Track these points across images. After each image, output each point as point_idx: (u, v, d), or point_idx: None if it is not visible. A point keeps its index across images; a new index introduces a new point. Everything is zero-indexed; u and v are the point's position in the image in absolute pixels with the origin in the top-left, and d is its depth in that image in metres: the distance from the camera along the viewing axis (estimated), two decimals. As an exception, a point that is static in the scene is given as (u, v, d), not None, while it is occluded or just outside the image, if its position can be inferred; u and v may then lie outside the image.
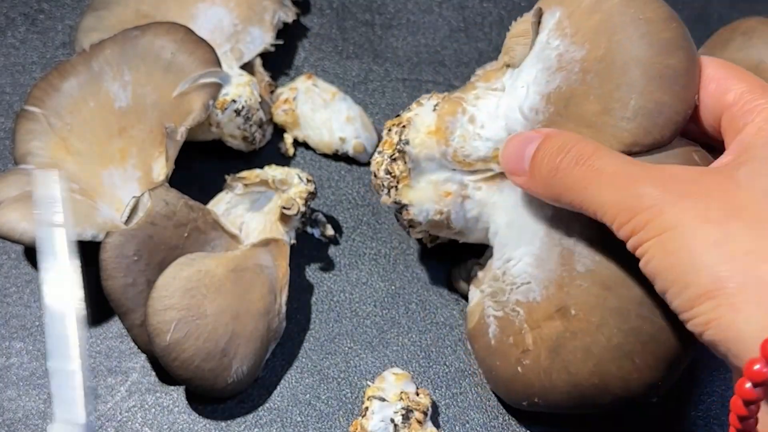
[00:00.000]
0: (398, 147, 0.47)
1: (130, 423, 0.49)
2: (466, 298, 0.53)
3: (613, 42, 0.41)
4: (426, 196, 0.47)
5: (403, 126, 0.48)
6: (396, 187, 0.47)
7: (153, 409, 0.49)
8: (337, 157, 0.58)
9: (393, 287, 0.53)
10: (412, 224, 0.48)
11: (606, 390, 0.42)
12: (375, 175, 0.48)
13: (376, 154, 0.48)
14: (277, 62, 0.60)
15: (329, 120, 0.57)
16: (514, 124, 0.45)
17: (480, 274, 0.49)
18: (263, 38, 0.58)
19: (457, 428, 0.49)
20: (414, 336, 0.52)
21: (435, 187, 0.47)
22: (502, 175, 0.46)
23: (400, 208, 0.48)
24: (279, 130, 0.58)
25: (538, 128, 0.44)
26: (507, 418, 0.49)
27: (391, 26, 0.63)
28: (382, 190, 0.48)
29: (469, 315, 0.49)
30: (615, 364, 0.42)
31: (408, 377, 0.49)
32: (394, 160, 0.47)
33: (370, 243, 0.55)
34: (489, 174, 0.47)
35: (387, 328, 0.52)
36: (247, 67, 0.58)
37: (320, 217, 0.55)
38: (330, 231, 0.54)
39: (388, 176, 0.47)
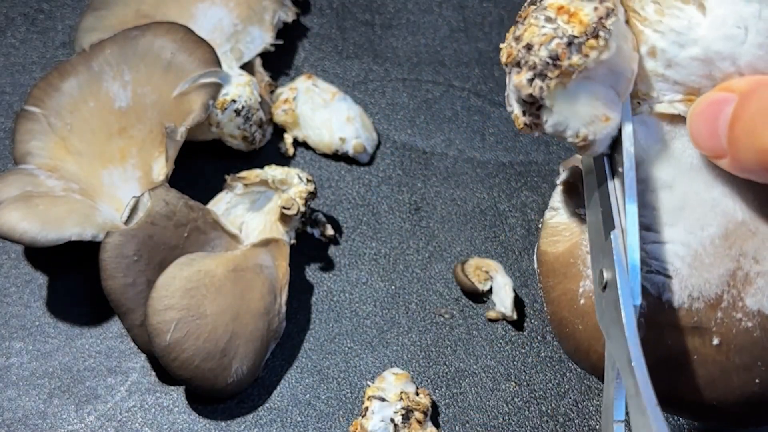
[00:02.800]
0: (599, 29, 0.32)
1: (130, 423, 0.49)
2: (467, 296, 0.53)
3: None
4: (577, 111, 0.34)
5: (611, 11, 0.33)
6: (551, 79, 0.33)
7: (153, 409, 0.49)
8: (337, 157, 0.58)
9: (393, 287, 0.53)
10: (535, 125, 0.35)
11: (704, 422, 0.36)
12: (526, 47, 0.33)
13: (539, 14, 0.33)
14: (277, 62, 0.60)
15: (329, 120, 0.57)
16: (723, 73, 0.33)
17: (579, 182, 0.37)
18: (263, 38, 0.58)
19: (457, 428, 0.49)
20: (414, 336, 0.52)
21: (592, 105, 0.33)
22: (682, 118, 0.35)
23: (532, 107, 0.34)
24: (279, 130, 0.58)
25: (731, 81, 0.33)
26: (507, 418, 0.49)
27: (391, 26, 0.63)
28: (523, 68, 0.33)
29: (547, 229, 0.38)
30: (735, 409, 0.35)
31: (408, 377, 0.49)
32: (571, 44, 0.32)
33: (370, 243, 0.55)
34: (669, 111, 0.35)
35: (387, 328, 0.52)
36: (247, 67, 0.58)
37: (320, 217, 0.55)
38: (330, 231, 0.54)
39: (550, 61, 0.32)
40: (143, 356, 0.50)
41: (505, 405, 0.50)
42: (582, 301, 0.37)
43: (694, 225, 0.34)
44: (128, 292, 0.47)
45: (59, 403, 0.49)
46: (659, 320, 0.35)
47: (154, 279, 0.48)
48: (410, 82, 0.61)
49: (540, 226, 0.40)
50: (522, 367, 0.51)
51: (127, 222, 0.48)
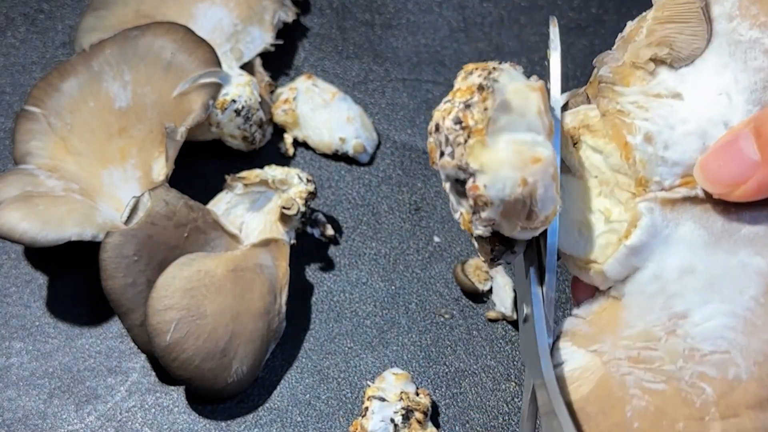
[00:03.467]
0: (483, 83, 0.34)
1: (130, 423, 0.49)
2: (467, 296, 0.53)
3: None
4: (504, 160, 0.33)
5: (492, 70, 0.35)
6: (465, 142, 0.33)
7: (153, 409, 0.49)
8: (337, 157, 0.58)
9: (393, 287, 0.53)
10: (480, 204, 0.34)
11: None
12: (435, 129, 0.34)
13: (441, 104, 0.35)
14: (277, 62, 0.60)
15: (329, 120, 0.57)
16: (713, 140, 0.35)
17: (582, 327, 0.37)
18: (263, 38, 0.58)
19: (457, 428, 0.49)
20: (414, 336, 0.52)
21: (516, 150, 0.34)
22: (686, 200, 0.35)
23: (464, 179, 0.34)
24: (279, 130, 0.58)
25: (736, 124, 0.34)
26: (507, 418, 0.49)
27: (391, 26, 0.63)
28: (443, 149, 0.34)
29: (564, 382, 0.36)
30: None
31: (408, 377, 0.49)
32: (469, 106, 0.33)
33: (370, 243, 0.55)
34: (672, 197, 0.36)
35: (387, 328, 0.52)
36: (247, 67, 0.58)
37: (320, 217, 0.55)
38: (330, 231, 0.54)
39: (457, 127, 0.33)
40: (143, 356, 0.50)
41: (505, 405, 0.50)
42: (636, 425, 0.34)
43: (732, 293, 0.34)
44: (128, 292, 0.47)
45: (59, 403, 0.49)
46: (734, 402, 0.33)
47: (154, 279, 0.48)
48: (410, 82, 0.61)
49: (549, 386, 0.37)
50: (522, 367, 0.51)
51: (127, 222, 0.48)
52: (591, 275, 0.37)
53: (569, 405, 0.35)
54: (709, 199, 0.35)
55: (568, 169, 0.38)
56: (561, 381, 0.36)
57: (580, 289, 0.39)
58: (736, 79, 0.35)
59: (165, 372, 0.48)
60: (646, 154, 0.35)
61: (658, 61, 0.36)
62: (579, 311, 0.38)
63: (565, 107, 0.39)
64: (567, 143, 0.37)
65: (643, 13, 0.38)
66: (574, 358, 0.36)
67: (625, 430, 0.34)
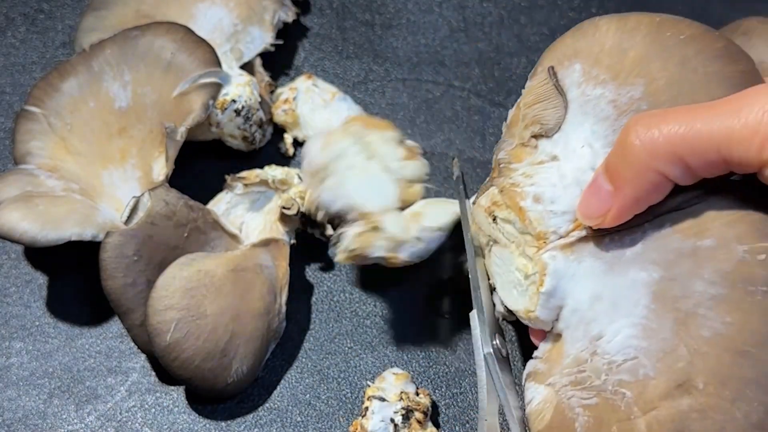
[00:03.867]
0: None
1: (130, 423, 0.49)
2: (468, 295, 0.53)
3: (673, 66, 0.40)
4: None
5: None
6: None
7: (153, 409, 0.49)
8: (337, 157, 0.58)
9: (393, 287, 0.53)
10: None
11: None
12: None
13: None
14: (277, 62, 0.60)
15: (329, 120, 0.57)
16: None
17: (540, 366, 0.43)
18: (263, 38, 0.58)
19: (457, 428, 0.49)
20: (414, 336, 0.52)
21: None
22: (580, 240, 0.41)
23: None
24: (279, 130, 0.58)
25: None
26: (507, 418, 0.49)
27: (391, 26, 0.63)
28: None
29: (532, 416, 0.41)
30: None
31: (408, 377, 0.49)
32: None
33: (370, 243, 0.55)
34: (569, 241, 0.41)
35: (387, 328, 0.52)
36: (247, 67, 0.58)
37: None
38: (330, 231, 0.54)
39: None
40: (143, 356, 0.50)
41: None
42: None
43: (629, 307, 0.39)
44: (128, 292, 0.47)
45: (59, 403, 0.49)
46: (649, 397, 0.37)
47: (154, 279, 0.48)
48: (410, 82, 0.61)
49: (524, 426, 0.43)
50: (522, 367, 0.51)
51: (127, 222, 0.48)
52: (534, 322, 0.43)
53: None
54: (595, 233, 0.40)
55: (496, 241, 0.45)
56: (532, 415, 0.41)
57: (535, 334, 0.45)
58: (593, 131, 0.41)
59: (165, 372, 0.48)
60: (537, 212, 0.42)
61: (537, 136, 0.43)
62: (537, 353, 0.44)
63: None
64: (488, 220, 0.44)
65: (517, 101, 0.45)
66: (537, 393, 0.42)
67: None
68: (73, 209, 0.49)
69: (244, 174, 0.53)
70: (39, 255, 0.54)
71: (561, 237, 0.41)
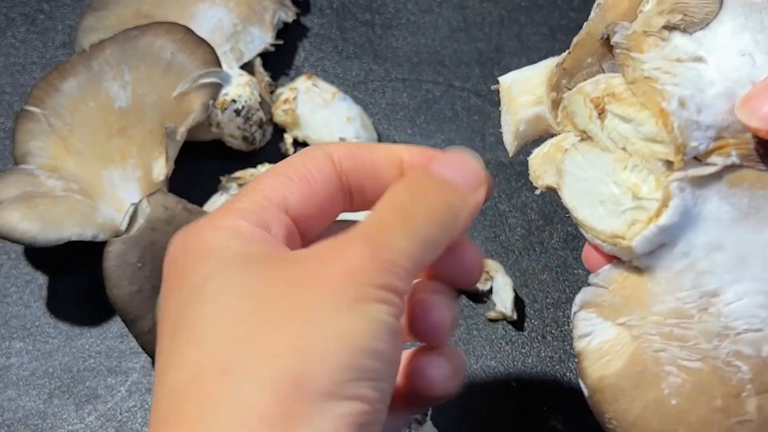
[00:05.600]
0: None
1: (130, 423, 0.49)
2: (467, 295, 0.53)
3: None
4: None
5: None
6: None
7: (153, 409, 0.49)
8: (337, 157, 0.58)
9: (393, 287, 0.53)
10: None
11: None
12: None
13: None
14: (277, 62, 0.60)
15: (329, 120, 0.57)
16: None
17: (605, 296, 0.37)
18: (263, 38, 0.58)
19: (457, 428, 0.49)
20: (414, 336, 0.52)
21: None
22: (711, 176, 0.35)
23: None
24: (279, 130, 0.58)
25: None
26: (507, 418, 0.49)
27: (391, 26, 0.63)
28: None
29: (590, 355, 0.36)
30: None
31: (408, 377, 0.48)
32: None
33: (370, 243, 0.55)
34: (701, 173, 0.35)
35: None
36: (247, 67, 0.58)
37: (320, 217, 0.55)
38: (330, 231, 0.54)
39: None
40: (143, 356, 0.50)
41: (505, 405, 0.50)
42: (674, 402, 0.34)
43: (762, 271, 0.34)
44: (135, 300, 0.47)
45: (59, 403, 0.49)
46: None
47: (160, 285, 0.47)
48: (410, 82, 0.61)
49: (576, 358, 0.37)
50: (522, 367, 0.51)
51: (127, 229, 0.48)
52: (614, 249, 0.36)
53: (600, 379, 0.36)
54: (737, 173, 0.35)
55: (590, 138, 0.37)
56: (590, 354, 0.36)
57: (596, 257, 0.38)
58: (755, 40, 0.35)
59: (165, 372, 0.47)
60: (683, 119, 0.34)
61: (670, 27, 0.35)
62: (598, 279, 0.37)
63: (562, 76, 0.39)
64: (591, 113, 0.37)
65: None
66: (600, 330, 0.36)
67: (662, 406, 0.34)
68: (73, 209, 0.49)
69: (238, 174, 0.53)
70: (39, 255, 0.54)
71: (697, 157, 0.34)
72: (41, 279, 0.53)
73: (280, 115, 0.57)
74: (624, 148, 0.36)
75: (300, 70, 0.61)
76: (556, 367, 0.51)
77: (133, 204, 0.49)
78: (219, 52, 0.55)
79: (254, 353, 0.28)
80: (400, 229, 0.31)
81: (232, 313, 0.29)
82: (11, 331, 0.51)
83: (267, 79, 0.58)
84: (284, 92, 0.58)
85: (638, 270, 0.36)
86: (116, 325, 0.51)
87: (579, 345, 0.36)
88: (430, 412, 0.48)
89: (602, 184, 0.36)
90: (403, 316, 0.35)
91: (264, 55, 0.59)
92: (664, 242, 0.35)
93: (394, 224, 0.31)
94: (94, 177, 0.52)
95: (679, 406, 0.34)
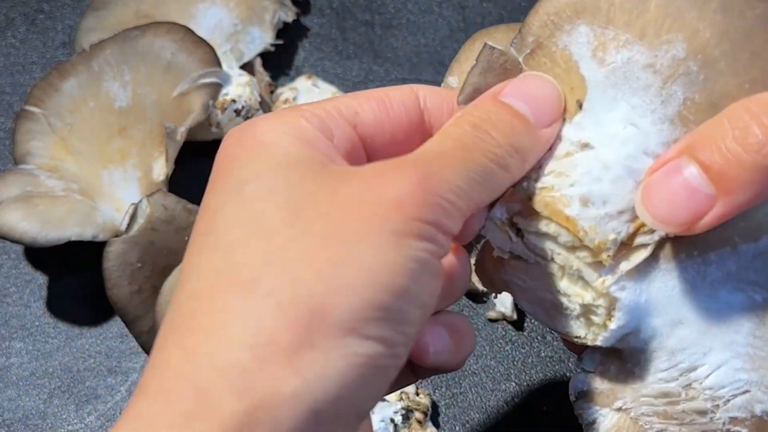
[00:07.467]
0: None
1: (130, 423, 0.49)
2: (467, 296, 0.53)
3: (713, 14, 0.32)
4: None
5: None
6: None
7: (153, 409, 0.49)
8: (337, 157, 0.58)
9: (393, 287, 0.53)
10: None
11: None
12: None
13: None
14: (277, 62, 0.60)
15: (329, 120, 0.57)
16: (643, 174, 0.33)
17: (598, 384, 0.36)
18: (263, 38, 0.58)
19: (457, 428, 0.49)
20: (414, 336, 0.52)
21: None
22: (647, 261, 0.34)
23: None
24: (279, 130, 0.58)
25: (662, 154, 0.32)
26: (507, 418, 0.49)
27: (391, 26, 0.63)
28: None
29: None
30: None
31: (408, 377, 0.48)
32: None
33: (370, 243, 0.55)
34: (636, 261, 0.34)
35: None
36: (247, 67, 0.58)
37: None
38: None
39: None
40: (143, 356, 0.50)
41: (505, 405, 0.50)
42: None
43: (728, 335, 0.33)
44: (135, 300, 0.47)
45: (59, 403, 0.49)
46: None
47: (160, 284, 0.48)
48: (410, 82, 0.61)
49: None
50: (522, 367, 0.51)
51: (127, 230, 0.48)
52: (584, 342, 0.36)
53: None
54: (670, 246, 0.34)
55: (519, 257, 0.36)
56: None
57: (573, 345, 0.37)
58: (632, 106, 0.33)
59: (165, 372, 0.48)
60: (591, 218, 0.33)
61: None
62: (587, 366, 0.37)
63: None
64: (508, 235, 0.35)
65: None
66: (603, 417, 0.36)
67: None
68: (73, 209, 0.49)
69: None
70: (39, 255, 0.54)
71: (621, 245, 0.33)
72: (41, 279, 0.53)
73: (280, 115, 0.57)
74: (553, 260, 0.35)
75: (300, 70, 0.61)
76: (556, 367, 0.51)
77: (133, 204, 0.49)
78: (219, 52, 0.55)
79: (280, 273, 0.26)
80: (457, 162, 0.29)
81: (266, 223, 0.27)
82: (11, 331, 0.51)
83: (267, 79, 0.58)
84: (284, 92, 0.58)
85: (618, 353, 0.35)
86: (116, 325, 0.51)
87: None
88: (429, 412, 0.48)
89: (548, 293, 0.35)
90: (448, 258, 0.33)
91: (264, 55, 0.59)
92: (627, 332, 0.34)
93: (451, 155, 0.29)
94: (94, 177, 0.52)
95: None
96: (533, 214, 0.34)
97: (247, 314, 0.26)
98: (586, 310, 0.35)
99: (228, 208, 0.28)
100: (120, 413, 0.49)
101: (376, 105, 0.32)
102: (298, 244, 0.27)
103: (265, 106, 0.57)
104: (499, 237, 0.35)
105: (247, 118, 0.55)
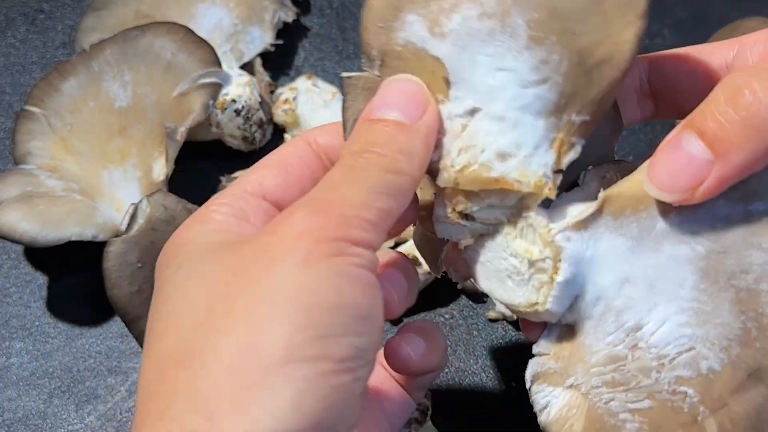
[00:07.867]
0: None
1: (130, 423, 0.49)
2: (467, 295, 0.53)
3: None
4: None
5: None
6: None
7: (153, 409, 0.49)
8: (337, 157, 0.58)
9: (393, 287, 0.53)
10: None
11: None
12: None
13: None
14: (277, 62, 0.60)
15: (329, 120, 0.57)
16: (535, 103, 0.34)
17: (550, 364, 0.36)
18: (263, 38, 0.58)
19: (457, 428, 0.49)
20: (414, 336, 0.52)
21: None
22: (593, 216, 0.34)
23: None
24: (279, 130, 0.58)
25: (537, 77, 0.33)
26: (507, 418, 0.49)
27: (391, 26, 0.63)
28: None
29: (554, 426, 0.35)
30: None
31: (408, 377, 0.48)
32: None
33: (370, 243, 0.55)
34: (581, 217, 0.34)
35: (386, 328, 0.52)
36: (247, 67, 0.58)
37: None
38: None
39: None
40: (143, 356, 0.50)
41: (504, 405, 0.50)
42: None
43: (672, 289, 0.33)
44: (135, 300, 0.47)
45: (59, 403, 0.49)
46: (717, 393, 0.33)
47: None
48: (410, 82, 0.61)
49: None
50: (522, 367, 0.51)
51: (127, 230, 0.48)
52: (538, 316, 0.36)
53: None
54: (616, 203, 0.34)
55: (480, 235, 0.36)
56: (553, 425, 0.35)
57: (530, 327, 0.38)
58: (489, 55, 0.33)
59: (165, 372, 0.48)
60: (514, 166, 0.34)
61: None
62: (540, 348, 0.37)
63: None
64: (460, 224, 0.35)
65: None
66: (554, 398, 0.36)
67: None
68: (73, 209, 0.49)
69: (238, 174, 0.53)
70: (39, 255, 0.54)
71: (555, 173, 0.34)
72: (41, 279, 0.53)
73: (280, 115, 0.57)
74: (502, 225, 0.35)
75: (300, 70, 0.61)
76: (556, 367, 0.51)
77: (133, 204, 0.49)
78: (219, 52, 0.55)
79: (208, 337, 0.28)
80: (348, 184, 0.30)
81: (190, 301, 0.29)
82: (11, 331, 0.51)
83: (267, 79, 0.58)
84: (284, 92, 0.58)
85: (569, 328, 0.36)
86: (116, 325, 0.51)
87: (542, 419, 0.36)
88: (429, 412, 0.48)
89: (501, 260, 0.36)
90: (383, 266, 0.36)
91: (264, 55, 0.59)
92: (575, 294, 0.35)
93: (340, 180, 0.31)
94: (94, 177, 0.52)
95: None
96: (468, 195, 0.34)
97: (188, 386, 0.28)
98: (536, 270, 0.35)
99: (160, 301, 0.31)
100: (120, 413, 0.49)
101: (276, 169, 0.35)
102: (219, 307, 0.29)
103: (265, 106, 0.57)
104: (454, 230, 0.36)
105: (247, 118, 0.55)
